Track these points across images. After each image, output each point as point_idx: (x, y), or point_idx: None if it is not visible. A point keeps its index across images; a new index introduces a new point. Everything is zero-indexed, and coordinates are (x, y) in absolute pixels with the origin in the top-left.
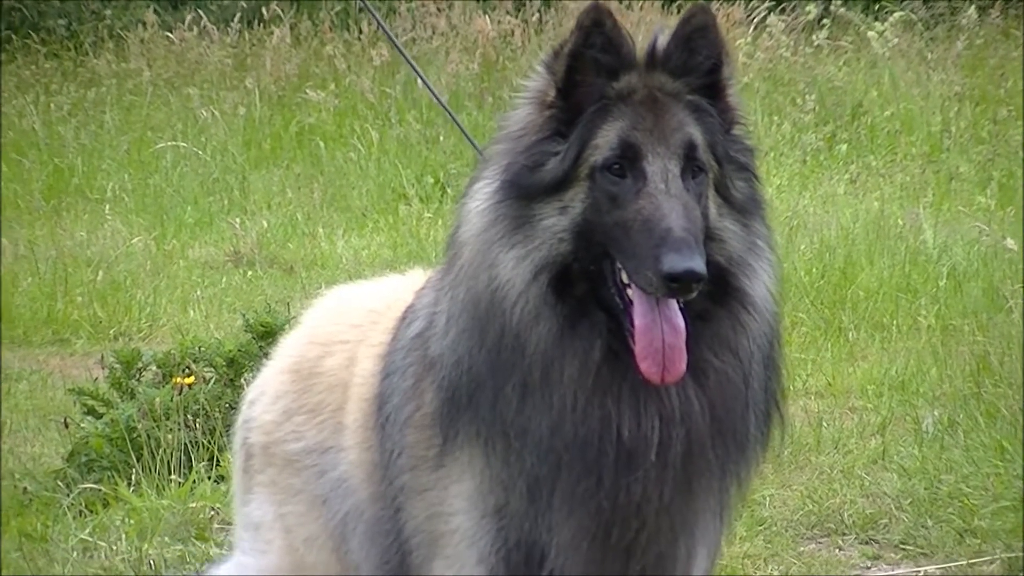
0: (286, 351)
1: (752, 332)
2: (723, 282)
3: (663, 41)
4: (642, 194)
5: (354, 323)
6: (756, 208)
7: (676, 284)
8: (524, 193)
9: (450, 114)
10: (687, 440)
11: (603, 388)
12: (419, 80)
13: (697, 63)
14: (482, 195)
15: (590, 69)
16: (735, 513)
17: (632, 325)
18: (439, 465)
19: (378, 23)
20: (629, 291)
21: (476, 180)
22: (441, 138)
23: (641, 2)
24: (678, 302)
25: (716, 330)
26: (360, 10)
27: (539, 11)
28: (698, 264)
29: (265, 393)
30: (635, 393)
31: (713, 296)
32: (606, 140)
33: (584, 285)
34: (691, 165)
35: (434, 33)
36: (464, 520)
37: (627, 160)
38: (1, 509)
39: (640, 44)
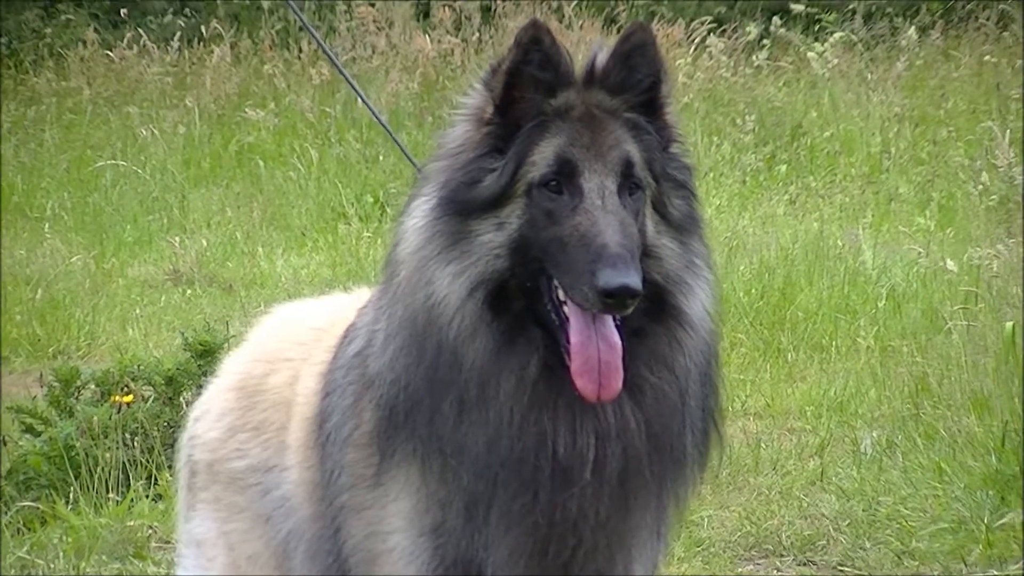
0: (231, 368)
1: (688, 349)
2: (660, 300)
3: (602, 58)
4: (579, 210)
5: (298, 341)
6: (694, 226)
7: (612, 300)
8: (461, 209)
9: (389, 132)
10: (623, 457)
11: (539, 404)
12: (359, 99)
13: (636, 81)
14: (420, 212)
15: (528, 86)
16: (673, 532)
17: (568, 342)
18: (377, 484)
19: (318, 43)
20: (565, 308)
21: (415, 197)
22: (381, 157)
23: (581, 20)
24: (614, 318)
25: (653, 347)
26: (300, 29)
27: (479, 30)
28: (633, 280)
29: (210, 410)
30: (571, 409)
31: (650, 313)
32: (543, 157)
33: (521, 301)
34: (628, 182)
35: (374, 52)
36: (402, 539)
37: (564, 176)
38: None
39: (580, 61)
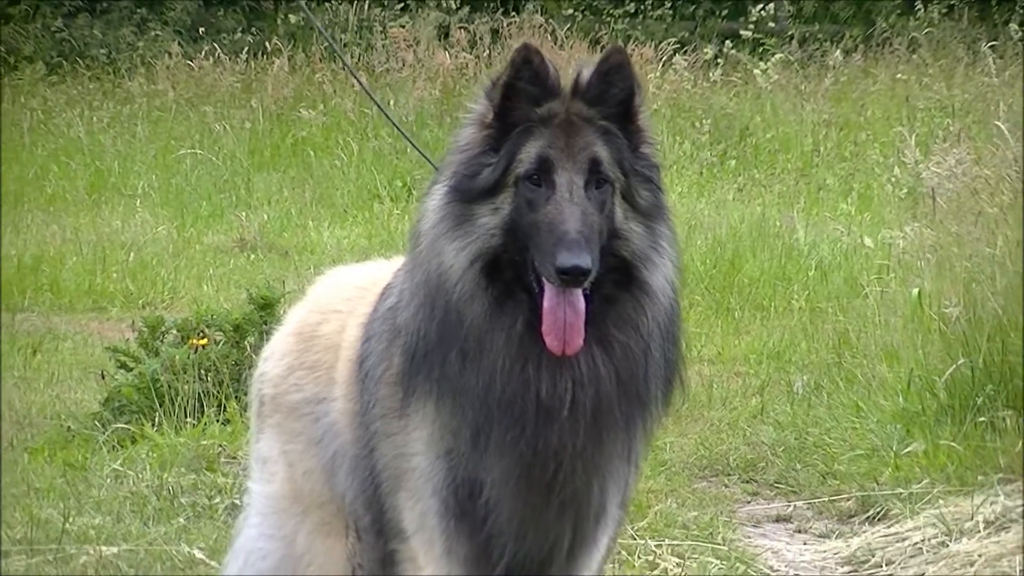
0: (292, 318)
1: (651, 313)
2: (627, 272)
3: (585, 75)
4: (550, 201)
5: (346, 297)
6: (659, 213)
7: (566, 276)
8: (465, 196)
9: (405, 135)
10: (596, 399)
11: (524, 356)
12: (384, 104)
13: (611, 94)
14: (437, 195)
15: (520, 97)
16: (642, 457)
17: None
18: (403, 415)
19: (349, 71)
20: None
21: (435, 183)
22: (408, 150)
23: (571, 41)
24: (583, 289)
25: (620, 311)
26: (344, 45)
27: (489, 48)
28: (584, 261)
29: (275, 352)
30: (552, 360)
31: (619, 284)
32: (528, 155)
33: (511, 272)
34: (595, 177)
35: (404, 65)
36: (422, 460)
37: (542, 172)
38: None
39: (569, 75)
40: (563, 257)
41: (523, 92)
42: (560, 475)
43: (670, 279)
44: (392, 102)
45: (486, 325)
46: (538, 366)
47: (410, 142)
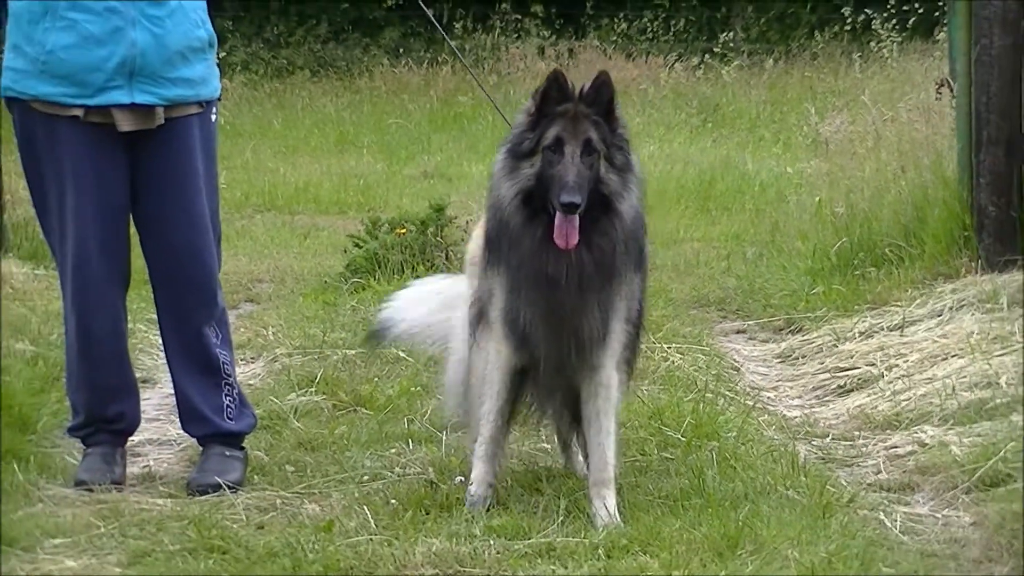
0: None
1: (619, 227)
2: (607, 203)
3: (586, 88)
4: (561, 163)
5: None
6: (628, 167)
7: (565, 207)
8: (515, 156)
9: (500, 112)
10: (580, 275)
11: (542, 249)
12: (495, 98)
13: (599, 99)
14: (500, 154)
15: (550, 99)
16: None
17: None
18: (490, 270)
19: (475, 80)
20: None
21: (502, 145)
22: None
23: (615, 56)
24: (578, 214)
25: (600, 226)
26: (476, 62)
27: (567, 60)
28: (577, 199)
29: (474, 239)
30: (558, 252)
31: (602, 210)
32: (550, 134)
33: (538, 201)
34: (588, 149)
35: (517, 70)
36: (498, 291)
37: (558, 145)
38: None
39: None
40: (565, 196)
41: (552, 97)
42: (564, 316)
43: (635, 206)
44: (512, 91)
45: (521, 230)
46: (549, 255)
47: (503, 116)
